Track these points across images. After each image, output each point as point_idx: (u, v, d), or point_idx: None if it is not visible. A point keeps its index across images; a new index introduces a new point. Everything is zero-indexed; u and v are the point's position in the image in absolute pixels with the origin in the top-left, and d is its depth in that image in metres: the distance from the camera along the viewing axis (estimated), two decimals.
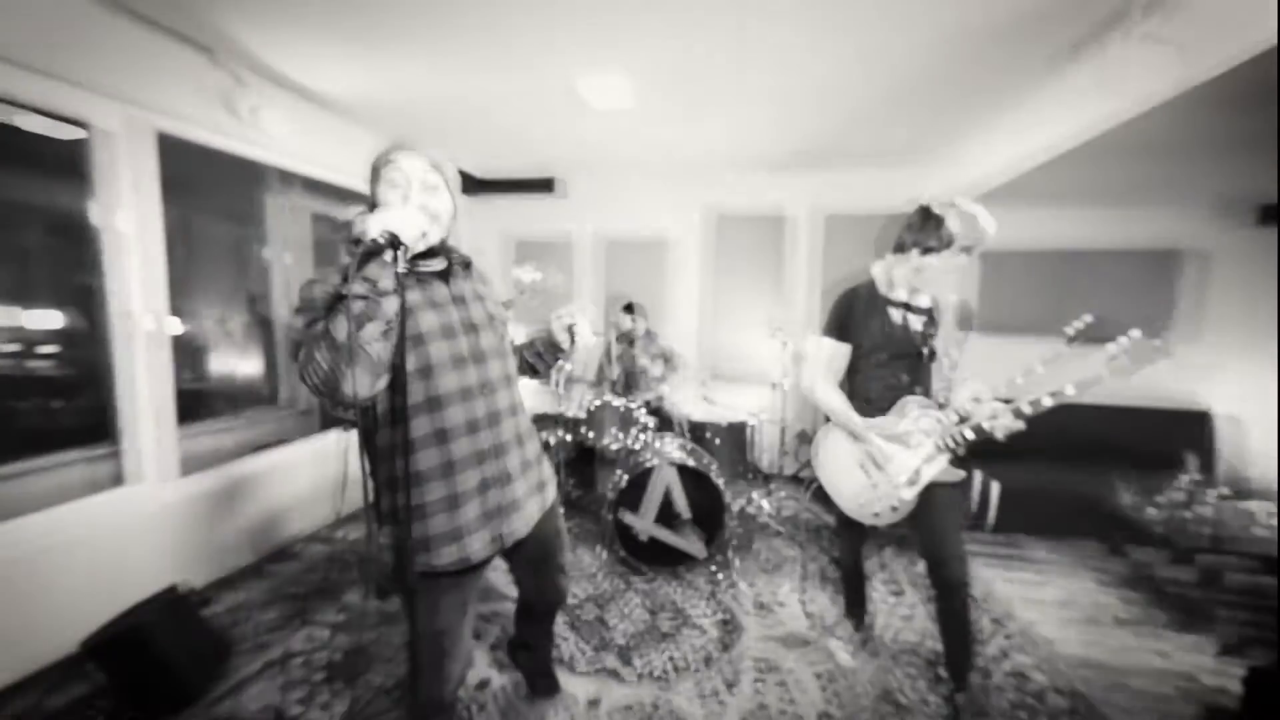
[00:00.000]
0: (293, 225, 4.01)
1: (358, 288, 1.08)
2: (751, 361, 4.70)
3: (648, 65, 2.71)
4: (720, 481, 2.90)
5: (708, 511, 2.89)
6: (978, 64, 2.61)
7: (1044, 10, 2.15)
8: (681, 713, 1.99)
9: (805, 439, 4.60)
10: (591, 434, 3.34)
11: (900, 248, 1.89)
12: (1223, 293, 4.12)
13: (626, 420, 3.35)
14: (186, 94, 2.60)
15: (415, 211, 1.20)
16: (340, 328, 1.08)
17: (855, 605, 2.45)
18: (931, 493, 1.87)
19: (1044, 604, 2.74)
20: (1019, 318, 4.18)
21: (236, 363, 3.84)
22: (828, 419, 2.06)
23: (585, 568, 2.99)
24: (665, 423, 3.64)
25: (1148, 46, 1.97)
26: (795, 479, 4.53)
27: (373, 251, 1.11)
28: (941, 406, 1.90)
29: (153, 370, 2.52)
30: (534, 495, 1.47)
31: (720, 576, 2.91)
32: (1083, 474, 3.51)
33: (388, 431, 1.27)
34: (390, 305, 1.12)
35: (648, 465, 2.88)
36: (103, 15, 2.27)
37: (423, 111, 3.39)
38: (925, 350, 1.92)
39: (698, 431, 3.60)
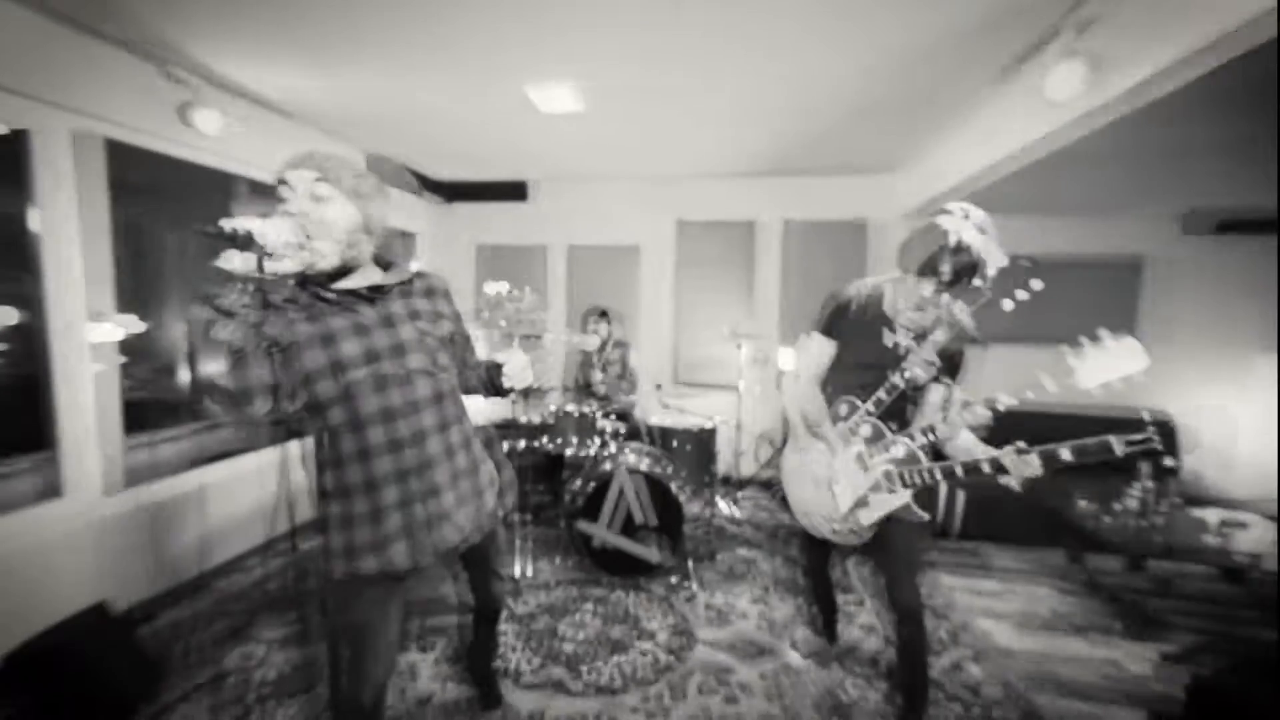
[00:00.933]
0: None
1: (196, 310, 1.08)
2: (718, 367, 4.73)
3: (608, 74, 2.74)
4: (678, 488, 2.90)
5: (669, 519, 2.89)
6: (931, 77, 2.68)
7: (985, 26, 2.21)
8: None
9: (768, 441, 4.62)
10: (557, 441, 3.32)
11: (923, 270, 1.66)
12: (1179, 300, 4.23)
13: (590, 427, 3.34)
14: (136, 100, 2.58)
15: (282, 220, 1.14)
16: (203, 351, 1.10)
17: (824, 619, 2.42)
18: (893, 528, 1.81)
19: (1003, 615, 2.76)
20: (984, 327, 4.23)
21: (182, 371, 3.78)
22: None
23: (543, 578, 2.97)
24: (633, 431, 3.63)
25: (1077, 61, 2.02)
26: (758, 482, 4.55)
27: (223, 270, 1.06)
28: (913, 440, 1.76)
29: (97, 378, 2.48)
30: (466, 505, 1.47)
31: (678, 584, 2.90)
32: (1044, 481, 3.56)
33: (320, 448, 1.33)
34: (228, 330, 1.08)
35: (607, 472, 2.87)
36: (50, 26, 2.27)
37: (388, 119, 3.40)
38: (904, 380, 1.76)
39: (663, 438, 3.60)
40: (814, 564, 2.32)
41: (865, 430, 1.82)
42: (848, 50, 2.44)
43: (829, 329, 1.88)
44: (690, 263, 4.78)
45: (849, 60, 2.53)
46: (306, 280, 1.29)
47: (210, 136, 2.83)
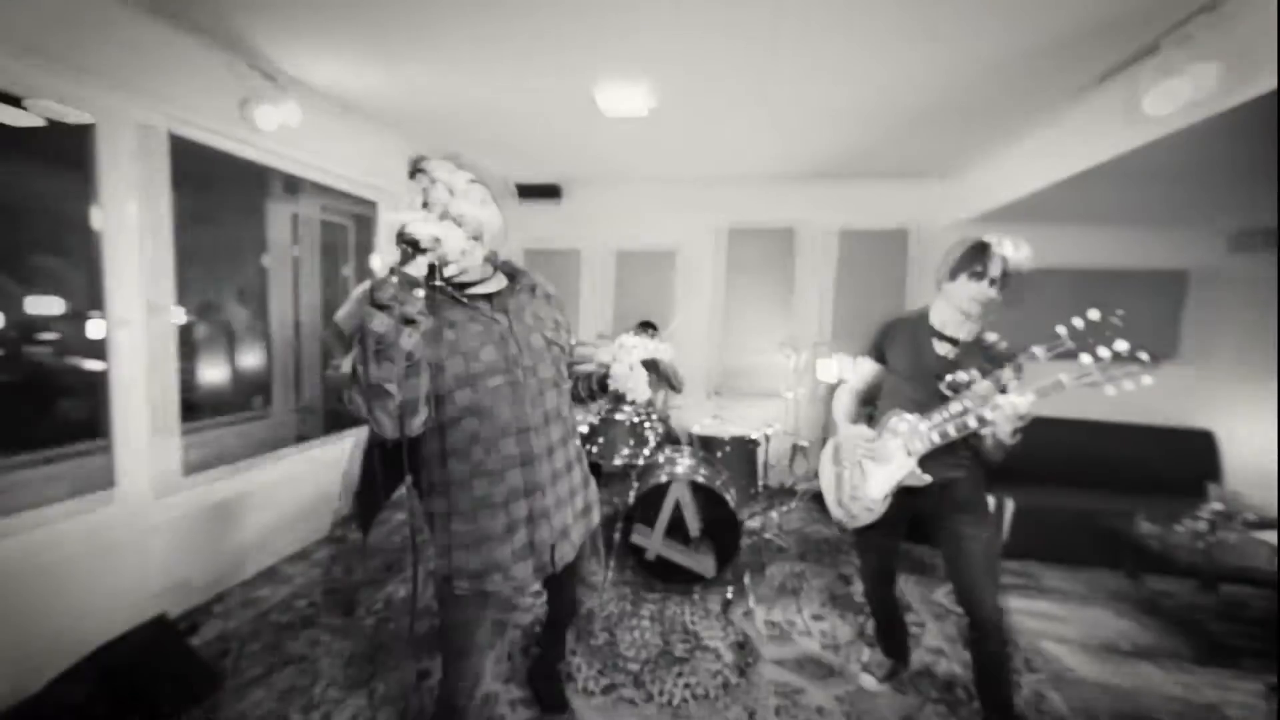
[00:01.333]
0: (300, 229, 3.96)
1: (376, 323, 0.97)
2: (762, 375, 4.68)
3: (669, 75, 2.72)
4: (733, 500, 2.85)
5: (720, 530, 2.84)
6: (1007, 89, 2.67)
7: (1076, 41, 2.19)
8: None
9: (801, 452, 4.56)
10: (597, 448, 3.28)
11: (951, 275, 1.86)
12: (1223, 317, 4.21)
13: (637, 435, 3.30)
14: (200, 94, 2.55)
15: (450, 225, 1.07)
16: (363, 364, 0.99)
17: (891, 640, 2.30)
18: (958, 533, 1.85)
19: (1066, 639, 2.71)
20: (1028, 335, 4.20)
21: (229, 365, 3.77)
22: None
23: (593, 580, 2.92)
24: (671, 437, 3.59)
25: (1172, 79, 2.02)
26: (802, 493, 4.50)
27: (405, 276, 0.99)
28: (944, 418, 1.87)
29: (155, 368, 2.43)
30: (580, 520, 1.45)
31: (734, 598, 2.85)
32: (1092, 496, 3.53)
33: (438, 466, 1.27)
34: (407, 340, 1.00)
35: (661, 481, 2.83)
36: (122, 10, 2.22)
37: (432, 113, 3.37)
38: (948, 385, 1.84)
39: (706, 446, 3.56)
40: (879, 579, 2.22)
41: (902, 426, 1.92)
42: (916, 60, 2.43)
43: (874, 352, 2.05)
44: (733, 268, 4.75)
45: (916, 70, 2.52)
46: (439, 285, 1.23)
47: (269, 132, 2.79)
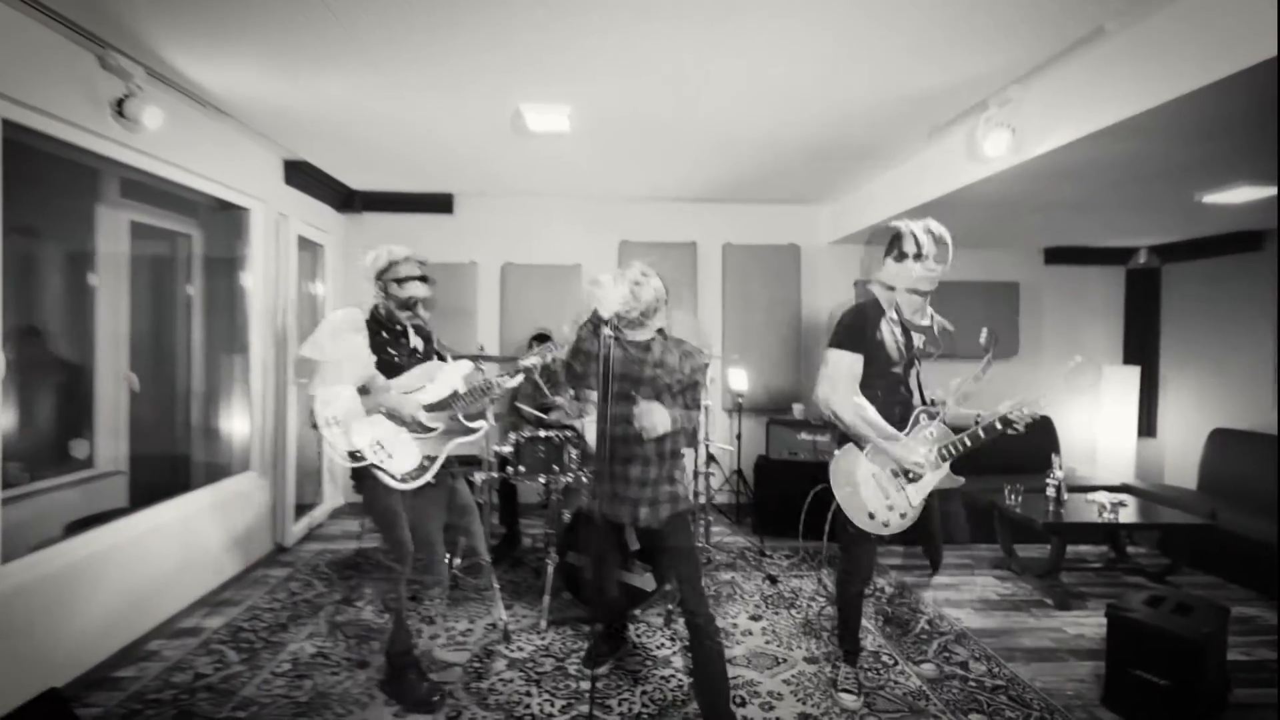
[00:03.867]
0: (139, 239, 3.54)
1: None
2: None
3: (586, 96, 2.95)
4: None
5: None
6: (875, 132, 3.35)
7: (925, 96, 2.85)
8: None
9: (715, 463, 4.91)
10: (521, 470, 3.27)
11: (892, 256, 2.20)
12: (1046, 320, 5.35)
13: (558, 455, 3.32)
14: (64, 87, 2.33)
15: (624, 295, 1.90)
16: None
17: (853, 643, 2.42)
18: (931, 499, 2.26)
19: (963, 604, 3.28)
20: None
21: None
22: (844, 439, 2.23)
23: (529, 620, 2.97)
24: (588, 455, 3.66)
25: (997, 130, 2.70)
26: (716, 506, 4.83)
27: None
28: (935, 418, 2.24)
29: None
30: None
31: (674, 611, 3.02)
32: (968, 481, 4.24)
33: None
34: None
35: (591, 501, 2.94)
36: None
37: (319, 120, 3.33)
38: (917, 366, 2.28)
39: None
40: (865, 581, 2.37)
41: (919, 421, 2.22)
42: (811, 99, 2.93)
43: (855, 343, 2.18)
44: None
45: (811, 108, 3.04)
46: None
47: (142, 133, 2.61)
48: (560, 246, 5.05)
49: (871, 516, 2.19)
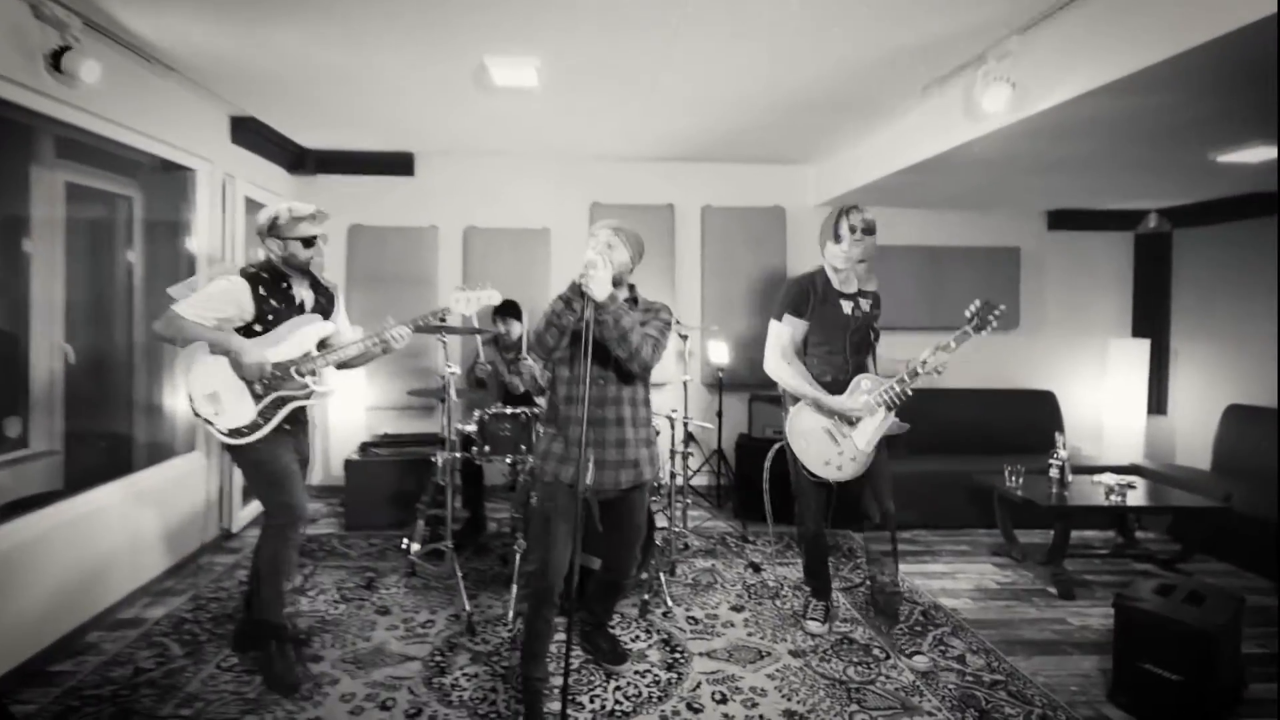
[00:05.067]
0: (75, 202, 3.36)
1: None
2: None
3: (556, 51, 2.80)
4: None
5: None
6: (865, 87, 3.18)
7: (918, 49, 2.70)
8: None
9: (695, 441, 4.77)
10: (485, 449, 3.12)
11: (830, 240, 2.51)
12: (1049, 288, 5.19)
13: (525, 433, 3.17)
14: None
15: (605, 272, 1.89)
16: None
17: (820, 580, 2.78)
18: (879, 448, 2.52)
19: (960, 594, 3.17)
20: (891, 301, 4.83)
21: None
22: (795, 398, 2.55)
23: (494, 612, 2.85)
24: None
25: (996, 85, 2.56)
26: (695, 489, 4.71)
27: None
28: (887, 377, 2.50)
29: None
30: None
31: (650, 602, 2.91)
32: (966, 460, 4.14)
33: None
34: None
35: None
36: None
37: (275, 77, 3.18)
38: (870, 333, 2.58)
39: None
40: (819, 520, 2.69)
41: (859, 385, 2.50)
42: (795, 55, 2.80)
43: (798, 311, 2.52)
44: None
45: (796, 64, 2.90)
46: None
47: (80, 88, 2.45)
48: (527, 209, 4.83)
49: (827, 464, 2.51)
